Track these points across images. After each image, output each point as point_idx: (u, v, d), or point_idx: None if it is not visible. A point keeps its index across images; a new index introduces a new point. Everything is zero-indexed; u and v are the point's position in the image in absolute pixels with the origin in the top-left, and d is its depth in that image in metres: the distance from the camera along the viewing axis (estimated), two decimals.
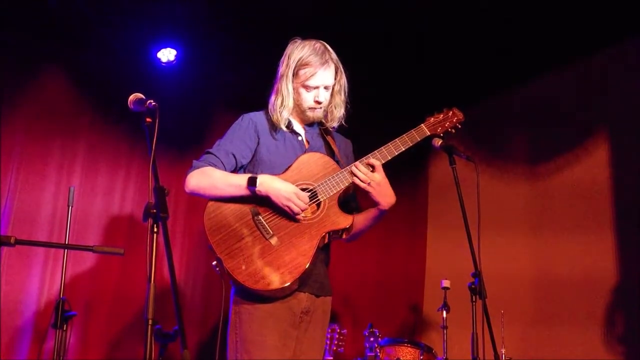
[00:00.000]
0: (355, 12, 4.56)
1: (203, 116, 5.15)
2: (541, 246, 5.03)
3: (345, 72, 2.91)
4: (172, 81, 4.91)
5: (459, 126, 2.95)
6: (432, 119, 2.92)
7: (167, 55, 4.86)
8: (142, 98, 2.25)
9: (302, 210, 2.66)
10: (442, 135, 2.91)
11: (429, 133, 2.88)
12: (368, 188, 2.72)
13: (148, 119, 2.19)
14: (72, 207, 3.81)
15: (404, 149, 2.80)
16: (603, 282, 4.51)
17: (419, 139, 2.85)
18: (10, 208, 4.29)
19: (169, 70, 4.90)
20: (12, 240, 2.46)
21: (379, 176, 2.73)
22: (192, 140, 4.94)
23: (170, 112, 4.19)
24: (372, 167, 2.73)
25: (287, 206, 2.64)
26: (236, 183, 2.69)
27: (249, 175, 2.70)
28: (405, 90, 5.42)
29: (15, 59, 4.46)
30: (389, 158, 2.78)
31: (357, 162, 2.75)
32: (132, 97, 2.27)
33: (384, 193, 2.74)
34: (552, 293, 4.82)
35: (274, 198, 2.65)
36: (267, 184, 2.66)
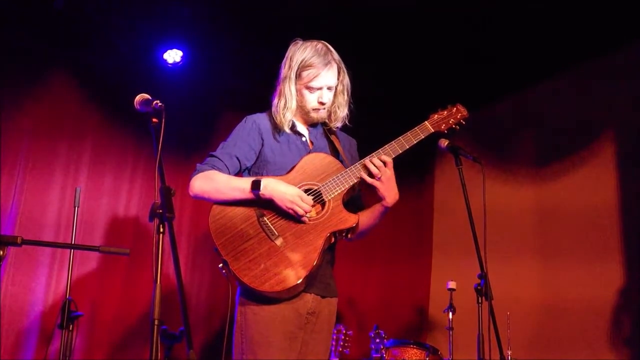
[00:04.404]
0: (360, 12, 4.55)
1: (209, 117, 5.15)
2: (547, 249, 5.01)
3: (347, 72, 2.89)
4: (178, 82, 4.92)
5: (463, 122, 2.92)
6: (436, 115, 2.89)
7: (173, 56, 4.87)
8: (148, 99, 2.25)
9: (306, 213, 2.65)
10: (446, 132, 2.88)
11: (432, 130, 2.85)
12: (376, 183, 2.70)
13: (154, 120, 2.20)
14: (78, 207, 3.84)
15: (408, 147, 2.78)
16: (608, 282, 4.52)
17: (422, 137, 2.82)
18: (17, 208, 4.30)
19: (175, 71, 4.91)
20: (19, 241, 2.46)
21: (390, 172, 2.72)
22: (199, 140, 4.95)
23: (176, 112, 4.22)
24: (384, 163, 2.72)
25: (291, 209, 2.63)
26: (240, 187, 2.68)
27: (253, 178, 2.69)
28: (411, 93, 5.41)
29: (21, 61, 4.48)
30: (393, 157, 2.76)
31: (370, 157, 2.73)
32: (138, 98, 2.28)
33: (390, 189, 2.73)
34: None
35: (277, 201, 2.64)
36: (271, 187, 2.65)
